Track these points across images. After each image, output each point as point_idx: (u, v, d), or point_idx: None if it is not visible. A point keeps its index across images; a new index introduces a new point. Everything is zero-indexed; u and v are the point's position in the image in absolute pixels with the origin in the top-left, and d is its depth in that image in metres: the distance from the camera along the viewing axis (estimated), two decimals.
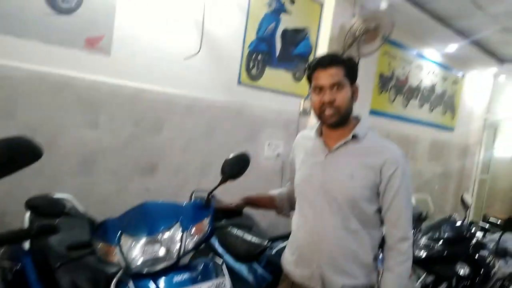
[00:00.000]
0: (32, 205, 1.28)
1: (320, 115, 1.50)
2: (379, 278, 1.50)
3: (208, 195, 1.50)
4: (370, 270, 1.51)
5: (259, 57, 3.36)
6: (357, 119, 1.56)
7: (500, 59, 6.12)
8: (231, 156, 1.58)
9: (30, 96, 2.26)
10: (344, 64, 1.47)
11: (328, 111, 1.46)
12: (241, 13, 3.16)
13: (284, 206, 1.84)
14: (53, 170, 2.38)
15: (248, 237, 2.33)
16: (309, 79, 1.54)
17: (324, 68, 1.45)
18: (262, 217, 2.66)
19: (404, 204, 1.46)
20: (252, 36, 3.27)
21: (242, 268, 2.24)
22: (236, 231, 2.37)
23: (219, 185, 1.55)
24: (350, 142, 1.50)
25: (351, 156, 1.49)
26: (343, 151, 1.51)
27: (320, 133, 1.58)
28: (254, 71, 3.35)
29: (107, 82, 2.53)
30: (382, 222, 1.52)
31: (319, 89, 1.47)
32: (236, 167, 1.55)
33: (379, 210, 1.50)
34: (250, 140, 3.45)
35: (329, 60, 1.47)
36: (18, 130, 2.20)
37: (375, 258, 1.53)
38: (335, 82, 1.44)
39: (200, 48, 2.86)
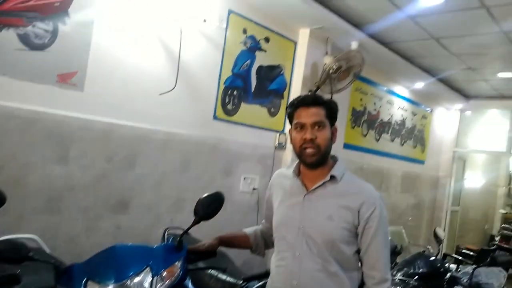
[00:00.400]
0: None
1: (300, 152, 1.50)
2: None
3: (180, 237, 1.46)
4: None
5: (235, 92, 3.40)
6: (334, 160, 1.57)
7: (465, 95, 6.43)
8: (204, 195, 1.55)
9: None
10: (326, 105, 1.51)
11: (309, 150, 1.46)
12: (217, 50, 3.21)
13: (259, 245, 1.80)
14: (19, 208, 2.28)
15: (223, 277, 2.27)
16: (290, 117, 1.55)
17: (307, 107, 1.48)
18: (236, 256, 2.61)
19: (382, 245, 1.46)
20: (228, 72, 3.32)
21: None
22: (210, 272, 2.30)
23: (191, 226, 1.51)
24: (328, 183, 1.50)
25: (329, 197, 1.49)
26: (322, 192, 1.51)
27: (298, 173, 1.57)
28: (229, 106, 3.37)
29: (79, 118, 2.49)
30: (361, 264, 1.51)
31: (301, 127, 1.49)
32: (209, 207, 1.52)
33: (358, 252, 1.49)
34: (225, 174, 3.43)
35: (312, 100, 1.51)
36: None
37: None
38: (317, 121, 1.47)
39: (176, 84, 2.87)
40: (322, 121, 1.47)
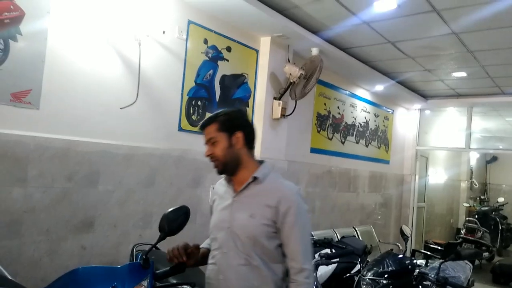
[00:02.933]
0: None
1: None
2: None
3: (146, 254, 1.42)
4: None
5: (199, 103, 3.39)
6: (260, 162, 1.71)
7: (424, 96, 6.68)
8: (169, 210, 1.53)
9: None
10: (217, 120, 1.64)
11: (213, 163, 1.65)
12: (178, 61, 3.19)
13: None
14: None
15: None
16: None
17: (203, 129, 1.67)
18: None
19: (300, 238, 1.58)
20: (191, 83, 3.30)
21: None
22: None
23: (157, 243, 1.48)
24: (252, 184, 1.64)
25: (253, 197, 1.63)
26: (247, 193, 1.65)
27: (229, 179, 1.72)
28: (194, 117, 3.35)
29: (36, 136, 2.40)
30: (278, 257, 1.62)
31: (206, 145, 1.66)
32: (175, 222, 1.50)
33: (281, 245, 1.61)
34: (193, 185, 3.39)
35: (204, 123, 1.67)
36: None
37: None
38: (210, 137, 1.64)
39: (137, 97, 2.82)
40: (213, 137, 1.63)
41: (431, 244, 7.04)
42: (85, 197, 2.65)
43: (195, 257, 1.64)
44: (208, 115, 3.33)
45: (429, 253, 3.89)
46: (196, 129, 3.37)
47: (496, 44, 4.06)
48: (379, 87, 5.77)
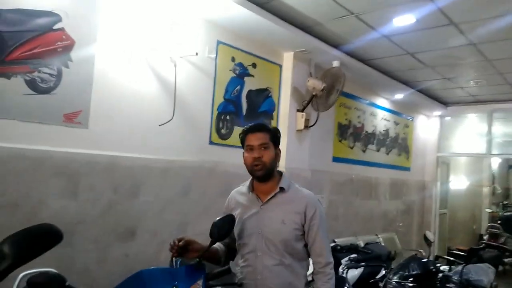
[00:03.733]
0: (34, 282, 1.35)
1: (251, 169, 1.83)
2: None
3: (199, 257, 1.61)
4: None
5: (228, 117, 3.59)
6: (280, 174, 1.90)
7: (443, 103, 6.75)
8: (218, 218, 1.71)
9: (11, 173, 2.31)
10: (269, 131, 1.87)
11: (257, 166, 1.80)
12: (208, 78, 3.41)
13: (223, 257, 1.97)
14: None
15: None
16: (242, 142, 1.89)
17: (254, 133, 1.84)
18: None
19: (324, 236, 1.85)
20: (220, 99, 3.51)
21: None
22: None
23: (209, 247, 1.67)
24: (278, 194, 1.85)
25: (280, 205, 1.84)
26: (274, 201, 1.85)
27: (252, 188, 1.90)
28: (223, 130, 3.55)
29: (85, 153, 2.63)
30: (308, 255, 1.88)
31: (250, 149, 1.82)
32: (223, 229, 1.68)
33: (305, 245, 1.86)
34: (224, 195, 3.52)
35: (258, 127, 1.87)
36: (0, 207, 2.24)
37: (306, 283, 1.88)
38: (263, 143, 1.81)
39: (173, 114, 3.04)
40: (267, 143, 1.82)
41: (454, 250, 7.05)
42: (128, 208, 2.87)
43: (192, 250, 1.71)
44: (236, 128, 3.61)
45: (452, 258, 3.97)
46: (226, 142, 3.57)
47: None
48: (399, 96, 5.88)
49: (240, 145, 1.88)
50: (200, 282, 1.52)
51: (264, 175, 1.82)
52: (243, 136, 1.88)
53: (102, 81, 2.69)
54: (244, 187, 1.98)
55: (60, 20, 2.46)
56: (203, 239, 3.13)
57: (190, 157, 3.28)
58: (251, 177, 1.94)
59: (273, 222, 1.81)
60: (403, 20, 3.41)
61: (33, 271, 2.04)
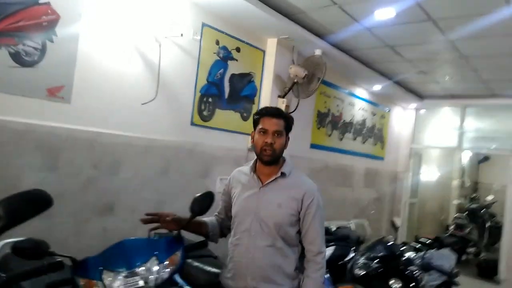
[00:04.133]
0: (19, 248, 1.41)
1: (260, 152, 1.87)
2: (301, 283, 1.87)
3: (178, 231, 1.70)
4: (293, 278, 1.89)
5: (210, 99, 3.65)
6: (284, 160, 1.94)
7: (419, 95, 6.97)
8: (198, 194, 1.80)
9: None
10: (286, 119, 1.90)
11: (267, 151, 1.83)
12: (192, 60, 3.45)
13: (215, 233, 2.08)
14: None
15: (207, 267, 2.51)
16: (256, 122, 1.91)
17: (271, 117, 1.86)
18: (215, 247, 2.86)
19: (318, 226, 1.88)
20: (203, 81, 3.56)
21: None
22: (195, 263, 2.55)
23: (188, 221, 1.76)
24: (279, 178, 1.89)
25: (279, 189, 1.89)
26: (273, 185, 1.89)
27: (254, 169, 1.94)
28: (205, 112, 3.62)
29: (67, 128, 2.66)
30: (300, 241, 1.92)
31: (264, 132, 1.85)
32: (203, 204, 1.78)
33: (299, 232, 1.90)
34: (202, 176, 3.67)
35: (276, 112, 1.90)
36: None
37: (297, 268, 1.91)
38: (278, 130, 1.85)
39: (156, 94, 3.09)
40: (281, 131, 1.86)
41: (421, 239, 7.37)
42: (107, 184, 2.93)
43: (173, 221, 1.80)
44: (218, 111, 3.68)
45: (418, 246, 4.20)
46: (207, 123, 3.64)
47: (487, 51, 4.33)
48: (377, 87, 6.04)
49: (221, 127, 1.92)
50: (178, 253, 1.62)
51: (271, 160, 1.86)
52: (258, 118, 1.89)
53: (86, 57, 2.71)
54: (247, 167, 2.00)
55: None
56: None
57: (171, 137, 3.34)
58: (254, 158, 1.97)
59: (270, 205, 1.85)
60: (384, 13, 3.51)
61: (12, 240, 2.10)
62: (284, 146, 1.89)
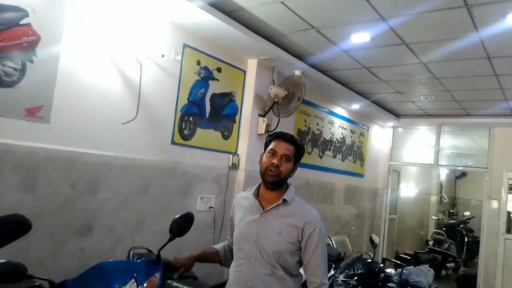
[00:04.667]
0: None
1: (264, 172, 1.84)
2: None
3: (158, 252, 1.71)
4: None
5: (191, 119, 3.69)
6: (287, 186, 1.92)
7: (396, 114, 7.16)
8: (178, 216, 1.82)
9: None
10: (297, 146, 1.89)
11: (272, 171, 1.81)
12: (173, 80, 3.49)
13: (228, 258, 2.07)
14: None
15: None
16: (267, 144, 1.91)
17: (283, 141, 1.86)
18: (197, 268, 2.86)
19: (321, 257, 1.81)
20: (184, 101, 3.60)
21: None
22: (174, 284, 2.54)
23: (168, 242, 1.77)
24: (281, 205, 1.85)
25: (280, 216, 1.84)
26: (275, 212, 1.85)
27: (257, 194, 1.91)
28: (186, 131, 3.65)
29: (46, 148, 2.64)
30: (304, 271, 1.83)
31: (272, 154, 1.84)
32: (183, 226, 1.79)
33: (299, 262, 1.84)
34: (183, 195, 3.67)
35: (289, 138, 1.89)
36: None
37: None
38: (287, 154, 1.84)
39: (137, 113, 3.11)
40: (290, 156, 1.84)
41: (401, 254, 7.48)
42: (86, 203, 2.90)
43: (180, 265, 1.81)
44: (199, 130, 3.72)
45: (398, 262, 4.27)
46: (188, 142, 3.67)
47: (459, 73, 4.53)
48: (356, 106, 6.20)
49: (202, 146, 1.92)
50: (157, 275, 1.63)
51: (274, 182, 1.82)
52: (271, 140, 1.89)
53: (66, 77, 2.72)
54: (249, 192, 1.98)
55: (27, 15, 2.47)
56: (161, 237, 3.24)
57: (151, 156, 3.35)
58: (258, 184, 1.94)
59: (270, 231, 1.81)
60: (360, 37, 3.65)
61: None
62: (290, 173, 1.87)
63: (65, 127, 2.75)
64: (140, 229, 3.31)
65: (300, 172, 5.26)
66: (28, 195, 2.58)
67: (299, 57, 4.35)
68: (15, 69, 2.45)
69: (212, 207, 3.91)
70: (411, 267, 3.75)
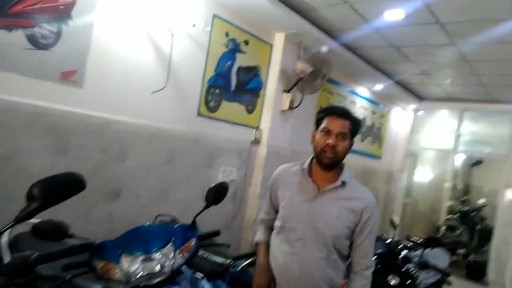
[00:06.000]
0: (39, 229, 1.44)
1: (320, 153, 1.77)
2: None
3: (194, 218, 1.74)
4: None
5: (217, 91, 3.68)
6: (341, 166, 1.85)
7: (419, 97, 7.04)
8: (213, 185, 1.84)
9: (5, 125, 2.35)
10: (353, 120, 1.78)
11: (328, 153, 1.72)
12: (202, 51, 3.47)
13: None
14: (23, 196, 2.44)
15: (213, 257, 2.56)
16: (319, 121, 1.81)
17: (337, 117, 1.75)
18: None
19: (373, 240, 1.83)
20: (211, 72, 3.58)
21: (207, 286, 2.46)
22: (201, 252, 2.59)
23: (204, 209, 1.80)
24: (339, 187, 1.79)
25: (338, 199, 1.79)
26: (332, 194, 1.79)
27: (309, 172, 1.84)
28: (212, 103, 3.64)
29: (78, 113, 2.67)
30: (352, 253, 1.84)
31: (327, 132, 1.74)
32: (218, 194, 1.81)
33: (351, 244, 1.83)
34: (206, 167, 3.70)
35: (342, 112, 1.77)
36: None
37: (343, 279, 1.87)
38: (342, 131, 1.73)
39: (166, 83, 3.10)
40: (346, 133, 1.74)
41: (412, 238, 7.48)
42: (115, 170, 2.95)
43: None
44: (224, 103, 3.71)
45: (412, 243, 4.28)
46: (214, 115, 3.67)
47: (492, 56, 4.39)
48: (379, 86, 6.09)
49: (226, 119, 1.84)
50: (193, 241, 1.66)
51: (331, 164, 1.75)
52: (323, 116, 1.78)
53: (99, 43, 2.72)
54: (296, 167, 1.89)
55: None
56: (184, 206, 3.28)
57: (178, 126, 3.36)
58: (309, 158, 1.87)
59: (327, 215, 1.76)
60: (394, 14, 3.55)
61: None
62: (348, 150, 1.78)
63: (97, 93, 2.76)
64: (164, 197, 3.36)
65: None
66: (61, 158, 2.63)
67: (328, 33, 4.26)
68: (51, 31, 2.45)
69: (233, 180, 3.94)
70: (429, 249, 3.76)
